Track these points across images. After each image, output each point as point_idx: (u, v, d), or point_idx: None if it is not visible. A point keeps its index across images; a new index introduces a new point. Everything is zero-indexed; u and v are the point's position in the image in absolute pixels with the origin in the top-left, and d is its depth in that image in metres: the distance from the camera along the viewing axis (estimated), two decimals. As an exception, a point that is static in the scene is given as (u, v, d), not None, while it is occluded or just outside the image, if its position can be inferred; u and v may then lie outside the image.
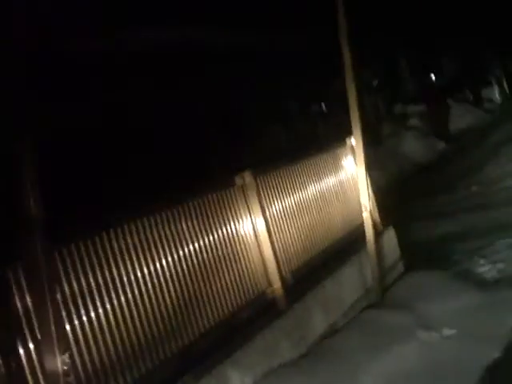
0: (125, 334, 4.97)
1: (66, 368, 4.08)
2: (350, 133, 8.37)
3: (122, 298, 5.00)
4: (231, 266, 6.18)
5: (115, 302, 4.94)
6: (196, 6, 13.63)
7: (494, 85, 56.85)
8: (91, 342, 4.74)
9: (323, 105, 34.74)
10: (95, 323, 4.79)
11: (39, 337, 4.21)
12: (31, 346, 4.35)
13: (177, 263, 5.53)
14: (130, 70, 12.32)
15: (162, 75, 14.10)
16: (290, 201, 7.42)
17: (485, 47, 61.83)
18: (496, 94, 56.08)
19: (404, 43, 50.28)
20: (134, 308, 5.08)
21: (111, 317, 4.91)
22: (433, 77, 55.09)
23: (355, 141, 8.22)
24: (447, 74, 58.10)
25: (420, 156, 29.18)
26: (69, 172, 10.53)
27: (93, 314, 4.78)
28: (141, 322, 5.13)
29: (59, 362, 4.04)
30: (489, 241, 11.21)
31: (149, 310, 5.20)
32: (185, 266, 5.61)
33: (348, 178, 8.83)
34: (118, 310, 4.96)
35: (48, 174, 4.73)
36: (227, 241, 6.20)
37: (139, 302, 5.14)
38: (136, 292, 5.11)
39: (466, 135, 35.13)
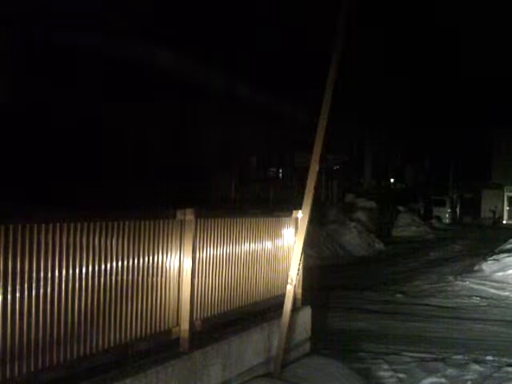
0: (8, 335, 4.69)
1: None
2: (299, 206, 8.42)
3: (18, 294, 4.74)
4: (146, 293, 6.11)
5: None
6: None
7: (447, 205, 57.99)
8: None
9: (280, 173, 35.19)
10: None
11: None
12: None
13: (90, 274, 5.39)
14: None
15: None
16: (222, 250, 7.41)
17: (447, 169, 63.29)
18: (446, 215, 57.16)
19: (373, 140, 51.20)
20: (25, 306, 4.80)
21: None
22: (391, 180, 56.07)
23: (302, 215, 8.27)
24: (407, 182, 59.18)
25: (357, 249, 29.50)
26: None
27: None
28: (29, 323, 4.78)
29: None
30: (398, 349, 11.34)
31: (42, 312, 4.93)
32: (96, 280, 5.47)
33: (284, 248, 8.86)
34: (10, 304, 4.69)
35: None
36: (150, 268, 6.14)
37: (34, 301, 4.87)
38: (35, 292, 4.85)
39: (406, 244, 35.63)
